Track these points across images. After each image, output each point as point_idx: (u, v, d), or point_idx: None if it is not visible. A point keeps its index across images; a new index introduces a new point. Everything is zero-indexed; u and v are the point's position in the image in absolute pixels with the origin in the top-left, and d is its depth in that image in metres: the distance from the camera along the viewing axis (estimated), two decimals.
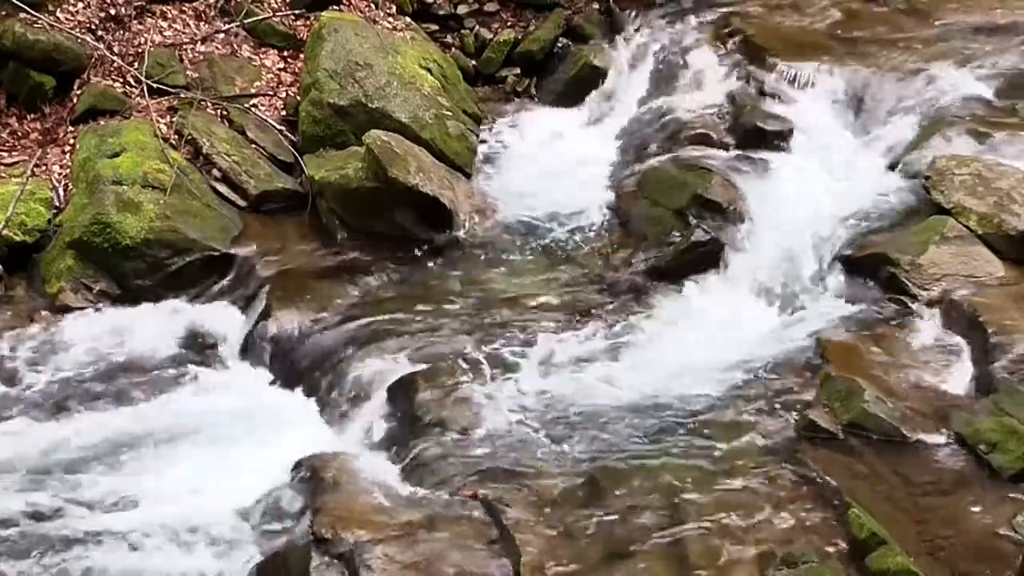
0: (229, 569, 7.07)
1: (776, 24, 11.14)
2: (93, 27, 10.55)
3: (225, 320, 9.06)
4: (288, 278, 9.28)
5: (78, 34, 10.38)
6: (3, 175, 9.77)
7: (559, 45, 11.70)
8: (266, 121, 10.38)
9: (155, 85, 10.21)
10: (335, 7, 11.20)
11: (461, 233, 9.73)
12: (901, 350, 8.07)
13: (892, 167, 9.58)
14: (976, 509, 6.92)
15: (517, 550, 6.75)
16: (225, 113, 10.36)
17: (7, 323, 8.95)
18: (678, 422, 7.78)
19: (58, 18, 10.48)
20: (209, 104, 10.36)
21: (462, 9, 11.82)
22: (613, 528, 6.92)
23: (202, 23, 11.02)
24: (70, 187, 9.67)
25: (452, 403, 7.95)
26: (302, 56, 10.82)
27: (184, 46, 10.78)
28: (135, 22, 10.72)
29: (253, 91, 10.64)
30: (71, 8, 10.62)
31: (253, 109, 10.45)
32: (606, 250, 9.58)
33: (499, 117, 11.20)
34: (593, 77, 11.31)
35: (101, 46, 10.39)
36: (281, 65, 10.96)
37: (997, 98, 9.92)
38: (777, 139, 9.90)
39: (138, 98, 10.24)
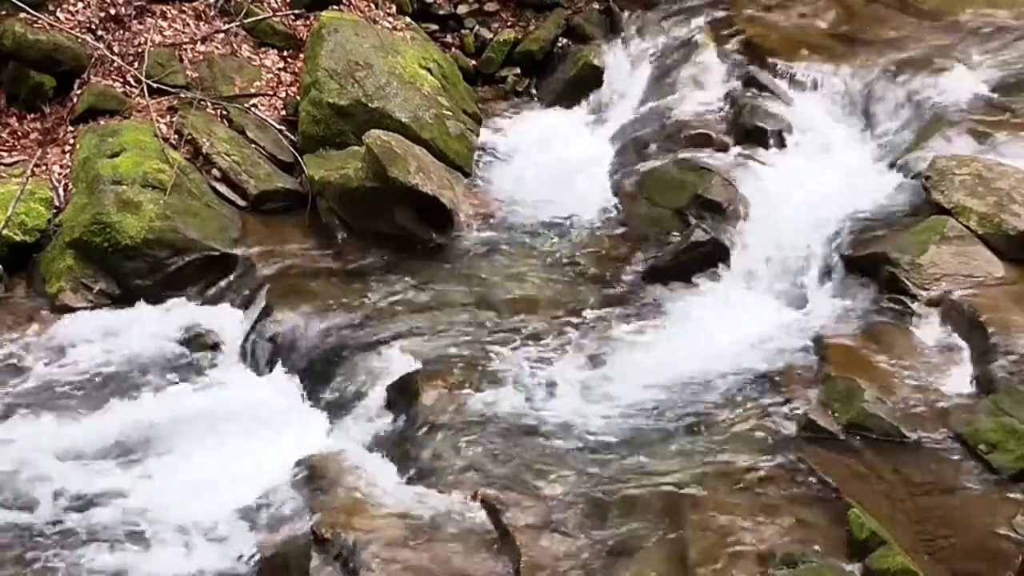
0: (229, 569, 7.06)
1: (776, 24, 11.12)
2: (93, 27, 10.55)
3: (225, 320, 9.05)
4: (288, 278, 9.28)
5: (78, 34, 10.39)
6: (3, 175, 9.78)
7: (559, 45, 11.71)
8: (266, 121, 10.38)
9: (155, 85, 10.22)
10: (335, 7, 11.20)
11: (461, 233, 9.73)
12: (901, 350, 8.06)
13: (892, 167, 9.57)
14: (976, 509, 6.91)
15: (517, 550, 6.75)
16: (225, 113, 10.36)
17: (7, 323, 8.95)
18: (678, 422, 7.78)
19: (58, 18, 10.48)
20: (209, 104, 10.36)
21: (462, 9, 11.82)
22: (613, 528, 6.92)
23: (202, 23, 11.02)
24: (70, 187, 9.68)
25: (452, 403, 7.95)
26: (302, 56, 10.83)
27: (184, 46, 10.78)
28: (135, 22, 10.72)
29: (253, 91, 10.64)
30: (71, 8, 10.62)
31: (253, 109, 10.45)
32: (606, 250, 9.58)
33: (499, 117, 11.20)
34: (593, 77, 11.29)
35: (101, 46, 10.39)
36: (281, 65, 10.96)
37: (997, 97, 9.91)
38: (777, 139, 9.89)
39: (138, 98, 10.25)
